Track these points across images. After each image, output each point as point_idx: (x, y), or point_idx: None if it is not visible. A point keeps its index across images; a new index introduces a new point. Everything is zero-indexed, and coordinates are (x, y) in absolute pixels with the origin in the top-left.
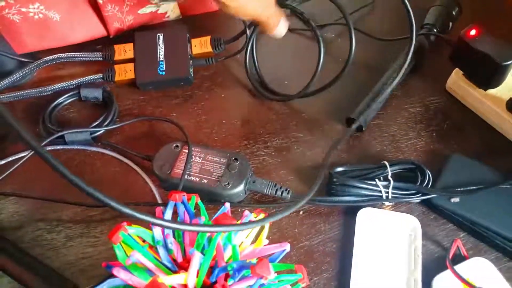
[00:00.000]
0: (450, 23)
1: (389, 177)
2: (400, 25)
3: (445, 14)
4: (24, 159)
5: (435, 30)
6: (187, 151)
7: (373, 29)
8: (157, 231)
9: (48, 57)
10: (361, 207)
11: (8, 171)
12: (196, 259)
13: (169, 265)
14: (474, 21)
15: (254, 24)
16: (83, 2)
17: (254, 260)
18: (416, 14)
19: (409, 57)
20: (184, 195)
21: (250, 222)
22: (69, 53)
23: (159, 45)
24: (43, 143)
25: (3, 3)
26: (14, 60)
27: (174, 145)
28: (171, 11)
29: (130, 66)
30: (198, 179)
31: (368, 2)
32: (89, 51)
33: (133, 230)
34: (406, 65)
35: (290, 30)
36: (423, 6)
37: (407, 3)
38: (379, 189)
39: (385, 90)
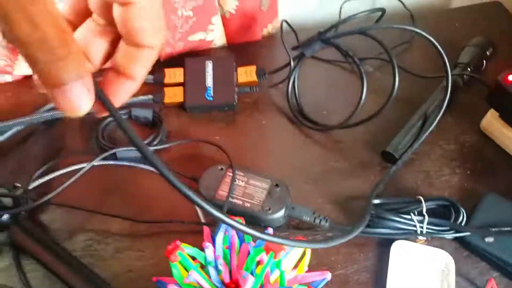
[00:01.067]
0: (484, 62)
1: (424, 212)
2: (434, 61)
3: (479, 54)
4: (81, 172)
5: (469, 69)
6: (231, 174)
7: (408, 65)
8: (209, 252)
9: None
10: (395, 239)
11: (68, 183)
12: (250, 282)
13: (218, 285)
14: (509, 60)
15: None
16: None
17: (295, 286)
18: (450, 52)
19: (447, 98)
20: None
21: (319, 242)
22: None
23: (207, 71)
24: (98, 158)
25: None
26: None
27: (219, 167)
28: (218, 38)
29: (179, 89)
30: (241, 202)
31: (406, 40)
32: None
33: (189, 250)
34: (444, 106)
35: (329, 61)
36: (458, 45)
37: (439, 47)
38: (414, 223)
39: (425, 129)
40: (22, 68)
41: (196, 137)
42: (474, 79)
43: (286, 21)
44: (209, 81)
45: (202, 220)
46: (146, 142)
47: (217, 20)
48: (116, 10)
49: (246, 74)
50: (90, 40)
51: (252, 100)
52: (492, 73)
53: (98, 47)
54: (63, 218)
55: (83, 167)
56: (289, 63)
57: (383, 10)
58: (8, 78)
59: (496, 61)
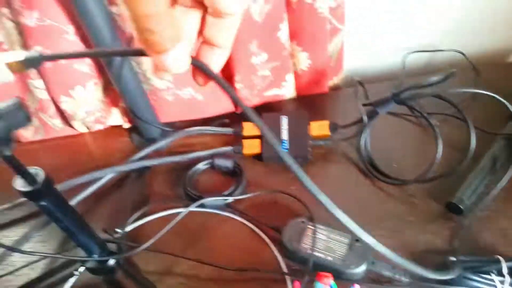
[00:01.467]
0: None
1: (505, 273)
2: (498, 113)
3: None
4: (179, 218)
5: None
6: (312, 227)
7: (474, 117)
8: None
9: (189, 129)
10: None
11: (166, 229)
12: None
13: None
14: None
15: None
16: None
17: None
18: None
19: None
20: (331, 279)
21: None
22: (207, 127)
23: (282, 125)
24: (191, 206)
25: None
26: (158, 129)
27: (301, 220)
28: (289, 92)
29: (257, 142)
30: (323, 256)
31: (471, 94)
32: (217, 124)
33: None
34: None
35: (398, 115)
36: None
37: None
38: (494, 283)
39: (496, 185)
40: (114, 120)
41: (273, 186)
42: None
43: (360, 82)
44: (285, 134)
45: (285, 270)
46: (228, 191)
47: (290, 77)
48: None
49: (320, 128)
50: (183, 17)
51: (324, 152)
52: None
53: (191, 22)
54: (155, 262)
55: (177, 213)
56: (362, 119)
57: (453, 72)
58: (99, 127)
59: None
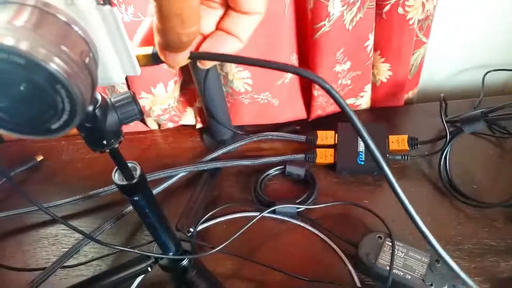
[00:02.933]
0: None
1: None
2: None
3: None
4: (253, 221)
5: None
6: (389, 243)
7: None
8: None
9: (262, 134)
10: None
11: (240, 231)
12: None
13: None
14: None
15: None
16: (298, 94)
17: None
18: None
19: None
20: None
21: None
22: (280, 133)
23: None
24: (264, 211)
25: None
26: (231, 131)
27: (377, 235)
28: (364, 103)
29: (331, 151)
30: (402, 274)
31: None
32: (289, 130)
33: None
34: None
35: (479, 134)
36: None
37: None
38: None
39: None
40: (187, 119)
41: (344, 197)
42: None
43: (444, 100)
44: (361, 146)
45: (358, 284)
46: (301, 199)
47: (368, 88)
48: None
49: (398, 142)
50: (203, 13)
51: (401, 167)
52: None
53: (210, 18)
54: (224, 264)
55: (248, 216)
56: (445, 135)
57: None
58: (169, 125)
59: None
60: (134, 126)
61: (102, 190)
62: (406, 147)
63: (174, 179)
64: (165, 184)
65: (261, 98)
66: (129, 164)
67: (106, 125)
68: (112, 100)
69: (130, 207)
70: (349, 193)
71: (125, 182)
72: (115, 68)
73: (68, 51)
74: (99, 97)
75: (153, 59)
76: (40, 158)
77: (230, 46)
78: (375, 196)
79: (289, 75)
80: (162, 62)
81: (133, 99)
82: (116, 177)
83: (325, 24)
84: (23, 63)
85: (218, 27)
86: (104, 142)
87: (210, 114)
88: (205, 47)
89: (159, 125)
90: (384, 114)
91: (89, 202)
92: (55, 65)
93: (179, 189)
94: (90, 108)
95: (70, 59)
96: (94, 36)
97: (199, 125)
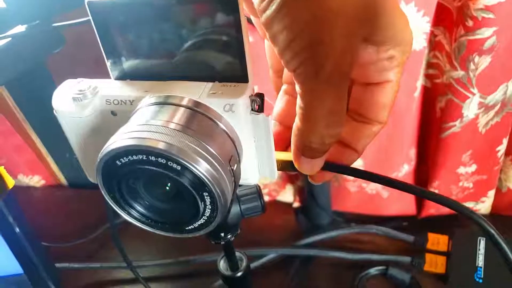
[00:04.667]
0: None
1: None
2: None
3: None
4: None
5: None
6: None
7: None
8: None
9: (365, 226)
10: None
11: None
12: None
13: None
14: None
15: None
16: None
17: None
18: None
19: None
20: None
21: None
22: (385, 228)
23: (479, 249)
24: None
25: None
26: (329, 217)
27: None
28: (484, 208)
29: (442, 259)
30: None
31: None
32: (395, 226)
33: None
34: None
35: None
36: None
37: None
38: None
39: None
40: (285, 196)
41: None
42: None
43: None
44: (481, 261)
45: None
46: None
47: (491, 194)
48: (359, 88)
49: None
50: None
51: None
52: None
53: None
54: None
55: None
56: None
57: None
58: (267, 198)
59: None
60: None
61: (194, 258)
62: None
63: (264, 259)
64: (254, 264)
65: (370, 188)
66: (240, 255)
67: (228, 218)
68: (238, 193)
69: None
70: None
71: (229, 273)
72: (253, 170)
73: (216, 154)
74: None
75: (292, 166)
76: None
77: (346, 159)
78: None
79: (405, 169)
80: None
81: (259, 195)
82: (221, 265)
83: (455, 125)
84: (174, 167)
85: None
86: (222, 234)
87: (311, 194)
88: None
89: None
90: (507, 223)
91: (179, 268)
92: (203, 169)
93: (267, 271)
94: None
95: (217, 163)
96: (242, 140)
97: (296, 204)
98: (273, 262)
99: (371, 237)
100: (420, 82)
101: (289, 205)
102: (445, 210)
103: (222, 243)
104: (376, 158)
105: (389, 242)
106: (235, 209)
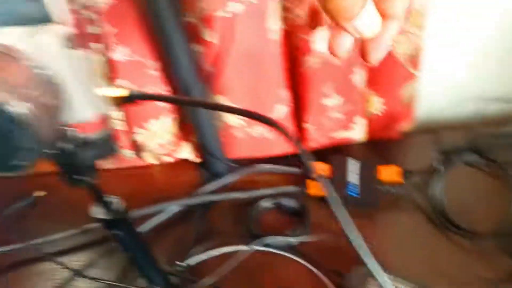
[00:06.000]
0: None
1: None
2: None
3: None
4: (242, 256)
5: None
6: None
7: None
8: None
9: (257, 166)
10: None
11: (229, 266)
12: None
13: None
14: None
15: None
16: (291, 127)
17: None
18: None
19: None
20: None
21: None
22: (275, 166)
23: (351, 169)
24: (254, 245)
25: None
26: (225, 165)
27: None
28: (359, 135)
29: None
30: None
31: None
32: (283, 163)
33: None
34: None
35: (471, 164)
36: None
37: None
38: None
39: None
40: (184, 154)
41: (338, 230)
42: None
43: (435, 130)
44: (352, 178)
45: None
46: (292, 233)
47: (360, 121)
48: None
49: (390, 174)
50: None
51: (394, 199)
52: None
53: None
54: None
55: (239, 250)
56: (437, 168)
57: None
58: (169, 159)
59: None
60: (133, 161)
61: (96, 225)
62: (399, 178)
63: (168, 213)
64: (158, 218)
65: (255, 132)
66: (110, 199)
67: (79, 161)
68: (87, 137)
69: None
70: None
71: (106, 217)
72: (85, 107)
73: (30, 92)
74: (73, 134)
75: (125, 101)
76: (41, 193)
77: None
78: (368, 228)
79: (281, 110)
80: (132, 103)
81: (109, 137)
82: (96, 211)
83: (312, 60)
84: None
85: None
86: (78, 177)
87: (204, 148)
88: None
89: (157, 160)
90: (380, 146)
91: (84, 237)
92: (15, 107)
93: (173, 224)
94: (64, 145)
95: (33, 101)
96: (64, 78)
97: (195, 159)
98: (177, 215)
99: (263, 176)
100: (277, 25)
101: (190, 161)
102: (324, 142)
103: (83, 185)
104: (251, 103)
105: (280, 178)
106: (86, 153)
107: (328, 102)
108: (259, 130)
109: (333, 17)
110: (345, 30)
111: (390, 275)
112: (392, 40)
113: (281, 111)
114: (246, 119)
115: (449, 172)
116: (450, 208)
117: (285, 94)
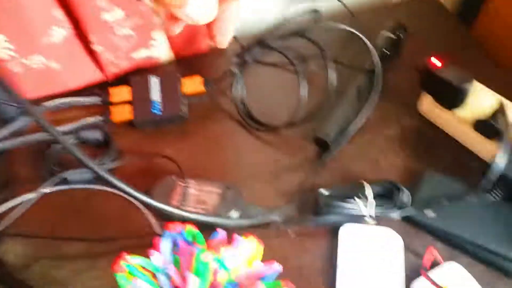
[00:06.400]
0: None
1: (369, 196)
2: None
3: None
4: (32, 201)
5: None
6: (182, 183)
7: (348, 60)
8: (155, 259)
9: (48, 103)
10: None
11: (18, 214)
12: (193, 283)
13: None
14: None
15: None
16: (81, 51)
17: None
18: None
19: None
20: (179, 225)
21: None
22: (68, 98)
23: (153, 86)
24: (48, 184)
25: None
26: (15, 107)
27: (171, 178)
28: (164, 54)
29: (128, 107)
30: (194, 210)
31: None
32: (87, 95)
33: (135, 260)
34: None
35: (270, 64)
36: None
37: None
38: (358, 207)
39: (358, 118)
40: None
41: (151, 151)
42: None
43: (235, 37)
44: (156, 96)
45: (159, 231)
46: (96, 163)
47: (159, 36)
48: None
49: (193, 84)
50: None
51: (202, 110)
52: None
53: None
54: (17, 249)
55: (43, 193)
56: (233, 70)
57: (316, 11)
58: None
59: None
60: None
61: None
62: (202, 87)
63: None
64: None
65: (34, 63)
66: None
67: None
68: None
69: None
70: (153, 146)
71: None
72: None
73: None
74: None
75: None
76: None
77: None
78: (180, 143)
79: (56, 33)
80: None
81: None
82: None
83: None
84: None
85: None
86: None
87: None
88: None
89: None
90: (185, 62)
91: None
92: None
93: None
94: None
95: None
96: None
97: None
98: None
99: (66, 114)
100: None
101: None
102: (125, 66)
103: None
104: (15, 28)
105: (83, 112)
106: None
107: (108, 16)
108: (39, 59)
109: (164, 5)
110: (179, 17)
111: (196, 179)
112: (237, 20)
113: (59, 35)
114: (14, 46)
115: (245, 72)
116: (252, 107)
117: (60, 14)
